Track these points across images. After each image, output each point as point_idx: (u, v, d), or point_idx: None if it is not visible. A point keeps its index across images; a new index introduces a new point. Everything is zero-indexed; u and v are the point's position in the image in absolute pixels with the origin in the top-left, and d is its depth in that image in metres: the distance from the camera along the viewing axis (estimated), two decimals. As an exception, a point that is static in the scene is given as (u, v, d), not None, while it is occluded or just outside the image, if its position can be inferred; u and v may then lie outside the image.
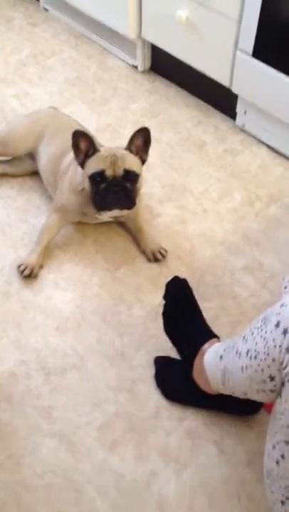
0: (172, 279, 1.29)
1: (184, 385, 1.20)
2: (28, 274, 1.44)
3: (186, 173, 1.76)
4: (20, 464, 1.16)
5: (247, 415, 1.21)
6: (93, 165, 1.38)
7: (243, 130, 1.88)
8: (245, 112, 1.82)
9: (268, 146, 1.83)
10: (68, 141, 1.40)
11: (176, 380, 1.22)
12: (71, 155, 1.44)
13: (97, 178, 1.37)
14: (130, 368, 1.31)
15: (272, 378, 0.90)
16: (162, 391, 1.26)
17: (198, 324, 1.24)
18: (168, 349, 1.29)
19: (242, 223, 1.62)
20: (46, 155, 1.59)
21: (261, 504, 1.11)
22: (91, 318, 1.40)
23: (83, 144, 1.38)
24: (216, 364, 1.07)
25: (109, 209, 1.41)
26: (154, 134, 1.88)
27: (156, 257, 1.51)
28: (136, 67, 2.11)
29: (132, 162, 1.39)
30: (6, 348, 1.34)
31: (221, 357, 1.06)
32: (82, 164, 1.40)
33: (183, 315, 1.25)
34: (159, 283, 1.39)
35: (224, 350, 1.06)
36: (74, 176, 1.46)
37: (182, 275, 1.49)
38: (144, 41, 2.01)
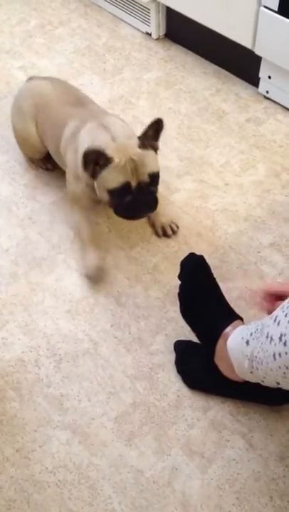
0: (187, 257, 1.17)
1: (207, 372, 1.09)
2: (100, 276, 1.32)
3: (206, 144, 1.63)
4: (30, 459, 1.06)
5: (278, 405, 1.10)
6: (112, 177, 1.20)
7: (266, 97, 1.74)
8: (269, 77, 1.68)
9: (295, 114, 1.69)
10: (61, 110, 1.32)
11: (199, 367, 1.11)
12: (67, 131, 1.32)
13: (119, 192, 1.21)
14: (148, 354, 1.20)
15: None
16: (184, 379, 1.15)
17: (218, 305, 1.12)
18: (189, 333, 1.18)
19: (267, 197, 1.49)
20: (48, 131, 1.44)
21: (296, 504, 1.00)
22: (104, 301, 1.29)
23: (93, 159, 1.20)
24: (242, 350, 0.95)
25: (138, 218, 1.31)
26: (170, 105, 1.77)
27: (165, 232, 1.39)
28: (150, 34, 1.98)
29: (152, 162, 1.23)
30: (14, 334, 1.24)
31: (247, 342, 0.94)
32: (94, 176, 1.22)
33: (201, 295, 1.12)
34: (178, 262, 1.26)
35: (251, 334, 0.94)
36: (73, 163, 1.31)
37: (203, 253, 1.37)
38: (158, 5, 1.87)
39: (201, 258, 1.17)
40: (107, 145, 1.21)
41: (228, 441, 1.07)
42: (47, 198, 1.51)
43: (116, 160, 1.19)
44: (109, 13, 2.09)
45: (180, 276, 1.16)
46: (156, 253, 1.38)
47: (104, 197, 1.24)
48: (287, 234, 1.41)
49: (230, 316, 1.09)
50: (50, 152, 1.47)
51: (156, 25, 1.93)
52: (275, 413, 1.10)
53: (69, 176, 1.35)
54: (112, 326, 1.25)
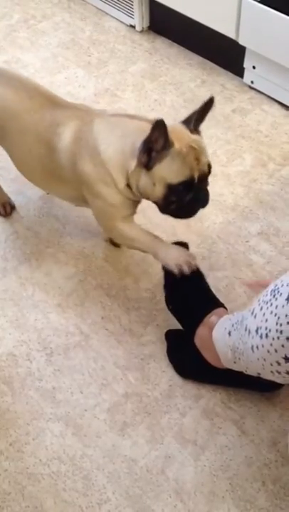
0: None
1: (198, 361, 1.10)
2: (191, 266, 1.09)
3: (192, 136, 1.63)
4: (23, 452, 1.06)
5: (269, 391, 1.11)
6: (176, 169, 0.99)
7: (251, 88, 1.75)
8: (253, 67, 1.68)
9: (280, 103, 1.70)
10: (35, 119, 1.07)
11: (190, 356, 1.12)
12: (65, 141, 1.09)
13: (181, 188, 1.01)
14: (139, 345, 1.20)
15: (287, 359, 0.79)
16: (175, 368, 1.16)
17: (201, 291, 1.13)
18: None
19: (254, 186, 1.50)
20: (20, 150, 1.20)
21: (288, 488, 1.01)
22: (95, 294, 1.29)
23: (158, 138, 0.97)
24: (225, 341, 0.97)
25: (193, 215, 1.08)
26: (156, 97, 1.77)
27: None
28: (134, 27, 1.97)
29: (206, 150, 1.04)
30: (5, 328, 1.24)
31: (229, 333, 0.96)
32: (149, 165, 1.00)
33: (183, 283, 1.12)
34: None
35: (233, 325, 0.95)
36: (97, 170, 1.07)
37: (192, 244, 1.38)
38: (141, -3, 1.87)
39: (184, 245, 1.17)
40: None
41: (221, 428, 1.08)
42: (35, 193, 1.50)
43: (177, 146, 0.97)
44: (93, 6, 2.08)
45: (163, 266, 1.15)
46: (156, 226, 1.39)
47: (158, 192, 1.02)
48: (275, 223, 1.42)
49: (212, 303, 1.11)
50: (26, 175, 1.27)
51: (139, 17, 1.93)
52: (267, 399, 1.11)
53: (95, 187, 1.08)
54: (102, 318, 1.25)
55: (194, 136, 1.03)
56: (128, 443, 1.07)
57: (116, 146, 1.04)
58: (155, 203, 1.06)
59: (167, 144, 0.97)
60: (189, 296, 1.12)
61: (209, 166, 1.03)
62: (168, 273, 1.13)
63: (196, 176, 1.00)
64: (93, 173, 1.08)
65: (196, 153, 1.00)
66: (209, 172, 1.04)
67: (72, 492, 1.02)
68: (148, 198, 1.07)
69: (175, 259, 1.09)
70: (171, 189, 1.01)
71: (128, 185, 1.07)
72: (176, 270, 1.09)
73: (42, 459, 1.06)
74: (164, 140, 0.96)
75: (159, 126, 0.95)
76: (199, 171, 1.01)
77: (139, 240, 1.13)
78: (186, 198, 1.02)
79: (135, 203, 1.14)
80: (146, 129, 0.98)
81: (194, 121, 1.04)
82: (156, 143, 0.97)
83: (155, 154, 0.98)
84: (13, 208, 1.45)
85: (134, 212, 1.15)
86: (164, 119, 0.95)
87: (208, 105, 1.04)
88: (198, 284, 1.13)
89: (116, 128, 1.05)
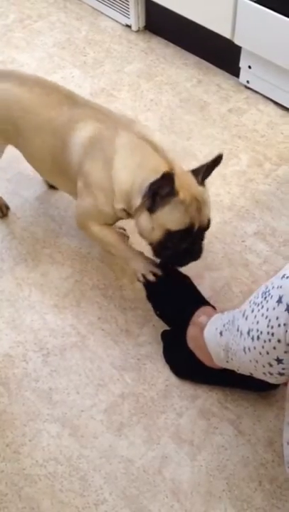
0: None
1: (194, 361, 1.10)
2: (153, 275, 1.13)
3: (188, 136, 1.63)
4: (20, 453, 1.06)
5: (265, 391, 1.11)
6: (177, 217, 1.00)
7: (247, 87, 1.75)
8: (249, 67, 1.68)
9: (276, 103, 1.70)
10: (52, 115, 1.09)
11: (186, 356, 1.12)
12: (80, 138, 1.10)
13: (179, 236, 1.02)
14: (136, 345, 1.20)
15: (279, 361, 0.79)
16: (171, 368, 1.16)
17: (184, 291, 1.14)
18: (176, 323, 1.18)
19: (251, 186, 1.50)
20: (34, 141, 1.20)
21: (285, 488, 1.01)
22: (91, 294, 1.29)
23: (164, 185, 0.98)
24: (217, 341, 0.97)
25: (184, 265, 1.10)
26: (152, 97, 1.77)
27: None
28: (129, 26, 1.97)
29: (209, 204, 1.05)
30: (1, 329, 1.24)
31: (221, 333, 0.96)
32: (151, 209, 1.02)
33: (164, 286, 1.14)
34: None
35: (224, 325, 0.96)
36: (103, 177, 1.08)
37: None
38: (137, -3, 1.87)
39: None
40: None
41: (217, 428, 1.08)
42: (31, 193, 1.50)
43: (181, 196, 0.99)
44: (89, 5, 2.08)
45: None
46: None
47: (155, 236, 1.03)
48: (271, 223, 1.42)
49: (198, 301, 1.12)
50: (35, 166, 1.28)
51: (135, 17, 1.93)
52: (263, 399, 1.11)
53: (93, 189, 1.10)
54: (99, 318, 1.25)
55: (200, 188, 1.03)
56: (125, 443, 1.07)
57: (129, 173, 1.04)
58: (150, 244, 1.07)
59: (172, 192, 0.98)
60: (173, 297, 1.13)
61: (209, 221, 1.04)
62: (146, 282, 1.14)
63: (196, 226, 1.02)
64: (98, 179, 1.09)
65: (199, 205, 1.01)
66: (208, 226, 1.05)
67: (69, 493, 1.02)
68: (144, 237, 1.08)
69: (140, 270, 1.13)
70: (169, 236, 1.02)
71: (124, 210, 1.09)
72: (141, 279, 1.14)
73: (38, 459, 1.05)
74: (170, 188, 0.98)
75: (167, 177, 0.97)
76: (199, 223, 1.02)
77: (111, 243, 1.16)
78: (182, 246, 1.04)
79: (119, 219, 1.15)
80: (162, 169, 0.99)
81: (204, 174, 1.04)
82: (161, 189, 0.99)
83: (159, 199, 1.00)
84: (8, 208, 1.45)
85: (114, 223, 1.17)
86: (171, 173, 0.97)
87: (216, 161, 1.04)
88: (180, 285, 1.13)
89: (137, 154, 1.05)
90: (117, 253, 1.17)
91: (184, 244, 1.04)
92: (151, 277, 1.12)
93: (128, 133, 1.07)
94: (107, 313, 1.26)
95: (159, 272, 1.13)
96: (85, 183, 1.11)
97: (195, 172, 1.04)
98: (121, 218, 1.14)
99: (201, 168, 1.04)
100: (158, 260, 1.13)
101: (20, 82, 1.19)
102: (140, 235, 1.08)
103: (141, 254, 1.15)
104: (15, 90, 1.18)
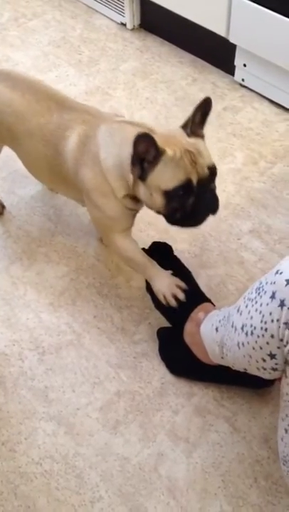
0: (150, 246, 1.20)
1: (190, 359, 1.10)
2: (176, 296, 1.11)
3: (184, 134, 1.63)
4: (16, 451, 1.06)
5: (260, 388, 1.11)
6: (169, 175, 0.96)
7: (242, 85, 1.75)
8: (244, 65, 1.69)
9: (270, 101, 1.70)
10: (42, 121, 1.08)
11: (182, 353, 1.12)
12: (71, 145, 1.09)
13: (180, 193, 0.98)
14: (131, 344, 1.20)
15: (272, 356, 0.79)
16: (167, 366, 1.16)
17: (187, 286, 1.14)
18: (171, 321, 1.18)
19: (246, 184, 1.50)
20: (27, 150, 1.20)
21: (280, 484, 1.01)
22: (87, 292, 1.29)
23: (147, 148, 0.95)
24: (213, 337, 0.97)
25: (200, 224, 1.05)
26: (147, 95, 1.77)
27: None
28: (124, 25, 1.97)
29: (207, 152, 1.01)
30: (-4, 328, 1.24)
31: (216, 329, 0.96)
32: (143, 177, 0.99)
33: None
34: (159, 251, 1.27)
35: (219, 321, 0.96)
36: (97, 179, 1.07)
37: (184, 242, 1.39)
38: (132, -5, 1.86)
39: (163, 244, 1.19)
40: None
41: (212, 425, 1.09)
42: (26, 192, 1.50)
43: (169, 152, 0.96)
44: (84, 4, 2.07)
45: None
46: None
47: (157, 202, 1.00)
48: (266, 220, 1.42)
49: (198, 297, 1.12)
50: (35, 175, 1.28)
51: (130, 15, 1.93)
52: (258, 396, 1.12)
53: (94, 197, 1.08)
54: (94, 317, 1.25)
55: (192, 140, 1.00)
56: (120, 441, 1.07)
57: (114, 156, 1.03)
58: (159, 213, 1.04)
59: (158, 152, 0.95)
60: None
61: (211, 168, 0.99)
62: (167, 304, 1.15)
63: (193, 179, 0.97)
64: (93, 183, 1.07)
65: (192, 156, 0.97)
66: (212, 174, 1.00)
67: (65, 491, 1.02)
68: (151, 208, 1.05)
69: (163, 291, 1.11)
70: (169, 195, 0.98)
71: (128, 195, 1.06)
72: (163, 301, 1.12)
73: (34, 458, 1.05)
74: (153, 149, 0.95)
75: (144, 138, 0.94)
76: (198, 174, 0.97)
77: (133, 259, 1.14)
78: (188, 203, 0.99)
79: (134, 214, 1.13)
80: None
81: (193, 123, 1.01)
82: (146, 153, 0.96)
83: (147, 165, 0.97)
84: (3, 207, 1.45)
85: (132, 224, 1.15)
86: (147, 132, 0.94)
87: (205, 106, 1.01)
88: (182, 280, 1.13)
89: (116, 136, 1.03)
90: (144, 272, 1.14)
91: (190, 200, 0.98)
92: (173, 302, 1.11)
93: (107, 124, 1.06)
94: (102, 311, 1.26)
95: (181, 295, 1.11)
96: (86, 194, 1.11)
97: (184, 126, 1.02)
98: (133, 210, 1.10)
99: (188, 120, 1.01)
100: (182, 283, 1.12)
101: (13, 84, 1.17)
102: (148, 206, 1.04)
103: (165, 273, 1.13)
104: (7, 95, 1.16)
